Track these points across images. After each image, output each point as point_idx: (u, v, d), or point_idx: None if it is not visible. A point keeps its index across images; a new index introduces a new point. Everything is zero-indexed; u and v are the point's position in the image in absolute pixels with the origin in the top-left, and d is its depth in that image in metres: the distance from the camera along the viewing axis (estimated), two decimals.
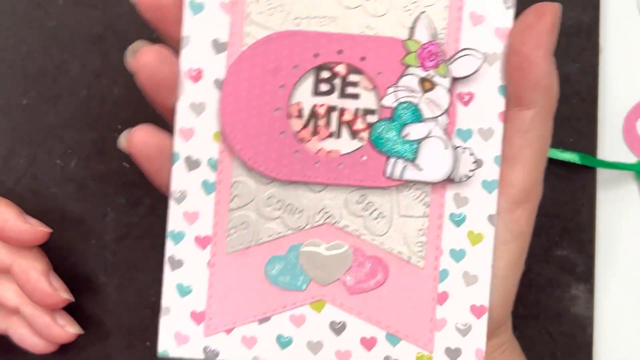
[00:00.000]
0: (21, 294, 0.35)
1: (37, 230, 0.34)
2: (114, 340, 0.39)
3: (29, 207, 0.38)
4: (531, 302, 0.39)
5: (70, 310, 0.37)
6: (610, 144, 0.41)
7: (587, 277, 0.39)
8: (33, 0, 0.39)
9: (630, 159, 0.41)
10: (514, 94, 0.29)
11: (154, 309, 0.38)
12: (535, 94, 0.28)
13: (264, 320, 0.29)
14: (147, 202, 0.39)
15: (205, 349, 0.29)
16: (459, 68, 0.28)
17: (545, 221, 0.39)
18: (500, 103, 0.29)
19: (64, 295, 0.35)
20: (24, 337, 0.36)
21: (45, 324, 0.35)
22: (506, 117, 0.29)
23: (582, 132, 0.39)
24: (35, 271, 0.34)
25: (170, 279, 0.29)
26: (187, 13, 0.28)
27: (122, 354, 0.39)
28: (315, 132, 0.29)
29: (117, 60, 0.37)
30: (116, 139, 0.36)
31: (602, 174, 0.40)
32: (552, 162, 0.39)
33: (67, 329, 0.36)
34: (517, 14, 0.29)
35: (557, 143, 0.39)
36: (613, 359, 0.40)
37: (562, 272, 0.39)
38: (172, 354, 0.29)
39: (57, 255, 0.37)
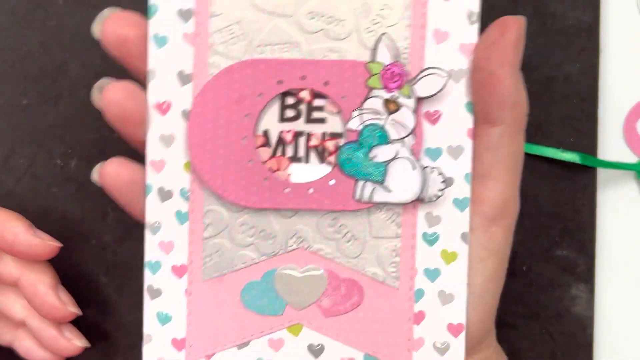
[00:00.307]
0: (28, 306, 0.36)
1: (47, 244, 0.34)
2: (114, 340, 0.39)
3: (29, 207, 0.38)
4: (531, 302, 0.39)
5: None
6: (611, 144, 0.40)
7: (587, 277, 0.39)
8: (33, 1, 0.39)
9: (631, 158, 0.40)
10: (481, 111, 0.28)
11: None
12: (503, 110, 0.28)
13: (243, 345, 0.29)
14: None
15: None
16: (423, 88, 0.28)
17: (546, 221, 0.39)
18: (468, 120, 0.29)
19: (72, 309, 0.35)
20: (30, 350, 0.36)
21: (51, 337, 0.36)
22: (475, 134, 0.29)
23: (582, 132, 0.39)
24: (43, 285, 0.35)
25: (150, 307, 0.29)
26: (151, 46, 0.29)
27: (122, 354, 0.39)
28: (283, 159, 0.29)
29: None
30: (116, 140, 0.36)
31: (602, 173, 0.40)
32: (552, 162, 0.39)
33: (74, 342, 0.36)
34: (483, 27, 0.29)
35: (557, 143, 0.39)
36: (613, 359, 0.40)
37: (562, 272, 0.39)
38: None
39: (57, 255, 0.37)
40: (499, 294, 0.30)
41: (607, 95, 0.40)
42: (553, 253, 0.39)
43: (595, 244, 0.39)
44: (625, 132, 0.40)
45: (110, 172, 0.29)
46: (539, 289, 0.39)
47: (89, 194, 0.38)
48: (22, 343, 0.36)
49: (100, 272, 0.39)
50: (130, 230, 0.38)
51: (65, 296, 0.35)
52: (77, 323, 0.37)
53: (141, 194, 0.29)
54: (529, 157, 0.39)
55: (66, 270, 0.37)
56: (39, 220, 0.37)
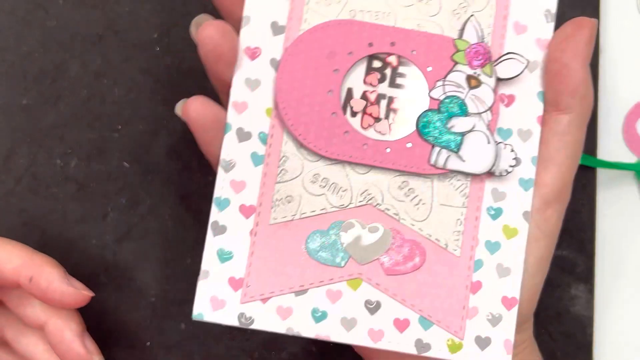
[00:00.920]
0: (50, 351, 0.35)
1: (80, 294, 0.33)
2: (114, 340, 0.38)
3: (29, 207, 0.38)
4: None
5: None
6: (610, 144, 0.40)
7: (587, 277, 0.39)
8: (33, 1, 0.39)
9: (630, 158, 0.40)
10: (552, 99, 0.30)
11: (154, 309, 0.38)
12: (573, 99, 0.30)
13: (300, 292, 0.29)
14: (148, 202, 0.39)
15: (240, 316, 0.29)
16: (503, 70, 0.30)
17: None
18: (539, 107, 0.30)
19: (97, 358, 0.34)
20: None
21: None
22: (544, 120, 0.31)
23: None
24: (70, 331, 0.33)
25: (211, 243, 0.29)
26: None
27: (122, 354, 0.38)
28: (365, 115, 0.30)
29: (117, 60, 0.38)
30: (116, 139, 0.38)
31: (602, 173, 0.40)
32: None
33: None
34: (556, 28, 0.31)
35: None
36: (613, 359, 0.40)
37: (562, 272, 0.39)
38: (206, 318, 0.29)
39: (57, 255, 0.36)
40: (545, 277, 0.31)
41: (606, 95, 0.41)
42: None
43: (594, 244, 0.39)
44: (625, 132, 0.40)
45: (194, 109, 0.30)
46: None
47: (88, 194, 0.38)
48: (39, 346, 0.35)
49: (100, 272, 0.38)
50: (130, 230, 0.38)
51: (91, 345, 0.34)
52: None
53: (220, 135, 0.30)
54: None
55: (66, 270, 0.36)
56: (39, 220, 0.37)
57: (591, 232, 0.39)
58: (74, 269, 0.36)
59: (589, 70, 0.30)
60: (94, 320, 0.37)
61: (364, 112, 0.30)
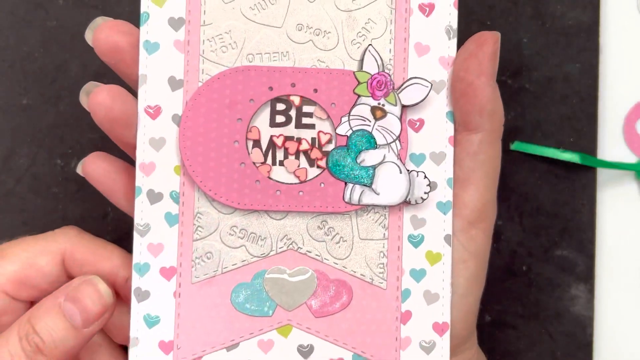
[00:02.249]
0: None
1: None
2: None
3: (29, 207, 0.38)
4: (531, 302, 0.39)
5: None
6: (610, 144, 0.40)
7: (587, 277, 0.39)
8: (33, 1, 0.39)
9: (630, 158, 0.40)
10: (461, 119, 0.30)
11: None
12: (481, 118, 0.30)
13: (232, 347, 0.29)
14: None
15: None
16: (407, 96, 0.30)
17: (545, 221, 0.39)
18: (449, 128, 0.30)
19: None
20: None
21: None
22: (456, 140, 0.30)
23: (582, 132, 0.39)
24: None
25: (137, 310, 0.29)
26: (142, 53, 0.29)
27: (122, 353, 0.36)
28: (274, 162, 0.30)
29: None
30: None
31: (602, 173, 0.40)
32: (551, 162, 0.39)
33: None
34: (485, 29, 0.31)
35: (556, 143, 0.39)
36: (613, 359, 0.40)
37: (562, 272, 0.39)
38: None
39: None
40: (480, 296, 0.32)
41: (606, 95, 0.40)
42: (553, 253, 0.39)
43: (595, 244, 0.39)
44: (625, 132, 0.40)
45: (90, 164, 0.31)
46: (539, 289, 0.39)
47: (89, 194, 0.38)
48: None
49: None
50: (129, 230, 0.37)
51: None
52: None
53: (119, 183, 0.30)
54: (528, 157, 0.39)
55: None
56: (39, 220, 0.37)
57: (591, 232, 0.39)
58: None
59: (496, 86, 0.30)
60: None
61: (274, 158, 0.30)
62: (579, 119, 0.39)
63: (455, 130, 0.30)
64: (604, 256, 0.40)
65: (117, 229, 0.38)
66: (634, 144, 0.40)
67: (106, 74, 0.37)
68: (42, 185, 0.39)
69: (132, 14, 0.38)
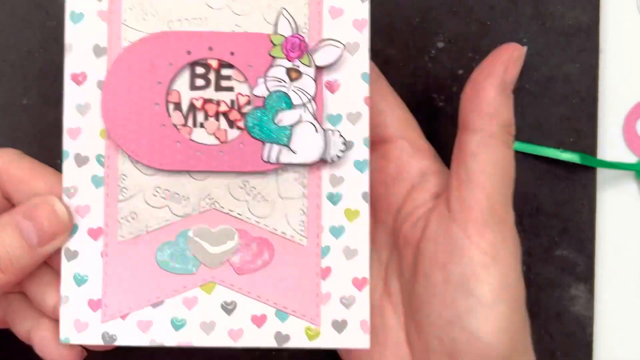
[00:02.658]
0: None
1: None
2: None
3: None
4: (531, 301, 0.36)
5: None
6: (610, 144, 0.40)
7: (587, 276, 0.39)
8: (34, 1, 0.39)
9: (630, 158, 0.40)
10: (461, 118, 0.31)
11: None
12: (481, 119, 0.30)
13: (157, 304, 0.30)
14: None
15: (103, 335, 0.30)
16: (321, 57, 0.31)
17: (545, 221, 0.39)
18: (364, 89, 0.31)
19: None
20: (46, 341, 0.32)
21: None
22: (458, 142, 0.31)
23: (582, 132, 0.39)
24: None
25: (67, 269, 0.30)
26: (68, 23, 0.30)
27: (123, 353, 0.35)
28: (195, 124, 0.31)
29: None
30: None
31: (602, 173, 0.40)
32: (551, 162, 0.39)
33: None
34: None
35: (556, 143, 0.39)
36: (613, 358, 0.40)
37: (562, 272, 0.39)
38: (72, 341, 0.30)
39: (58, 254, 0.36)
40: (520, 306, 0.30)
41: (606, 95, 0.40)
42: (553, 253, 0.39)
43: (594, 243, 0.39)
44: (625, 132, 0.40)
45: None
46: (539, 289, 0.39)
47: None
48: (40, 333, 0.32)
49: None
50: None
51: None
52: None
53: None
54: (528, 157, 0.39)
55: None
56: None
57: (591, 232, 0.39)
58: None
59: (505, 91, 0.30)
60: None
61: (194, 120, 0.31)
62: (579, 119, 0.39)
63: (459, 130, 0.31)
64: (604, 256, 0.40)
65: None
66: (634, 144, 0.40)
67: None
68: None
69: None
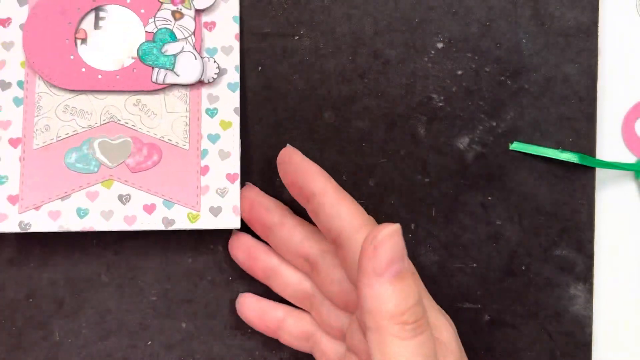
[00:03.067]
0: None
1: None
2: (116, 339, 0.39)
3: None
4: (530, 301, 0.39)
5: (72, 309, 0.39)
6: (609, 144, 0.40)
7: (586, 276, 0.39)
8: None
9: (629, 158, 0.40)
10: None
11: (155, 308, 0.39)
12: (365, 316, 0.29)
13: (65, 197, 0.37)
14: None
15: (20, 223, 0.37)
16: (200, 2, 0.39)
17: (544, 221, 0.39)
18: (235, 28, 0.39)
19: None
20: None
21: None
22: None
23: (581, 132, 0.39)
24: None
25: None
26: None
27: (123, 353, 0.39)
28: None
29: None
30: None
31: (601, 173, 0.40)
32: (550, 162, 0.39)
33: None
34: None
35: (555, 143, 0.39)
36: (612, 358, 0.40)
37: (561, 271, 0.39)
38: None
39: (58, 255, 0.38)
40: None
41: (605, 95, 0.40)
42: (552, 253, 0.39)
43: (593, 243, 0.39)
44: (624, 132, 0.40)
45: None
46: (538, 289, 0.39)
47: None
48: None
49: (102, 271, 0.39)
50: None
51: None
52: (77, 322, 0.39)
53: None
54: (528, 157, 0.39)
55: (67, 269, 0.39)
56: None
57: (590, 232, 0.39)
58: (75, 268, 0.39)
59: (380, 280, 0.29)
60: (96, 319, 0.39)
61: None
62: (578, 119, 0.39)
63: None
64: (603, 256, 0.40)
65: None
66: (633, 144, 0.40)
67: None
68: None
69: None
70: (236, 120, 0.39)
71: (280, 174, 0.35)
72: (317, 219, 0.33)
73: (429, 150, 0.40)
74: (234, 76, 0.39)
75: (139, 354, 0.39)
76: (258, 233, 0.38)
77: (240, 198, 0.37)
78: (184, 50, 0.38)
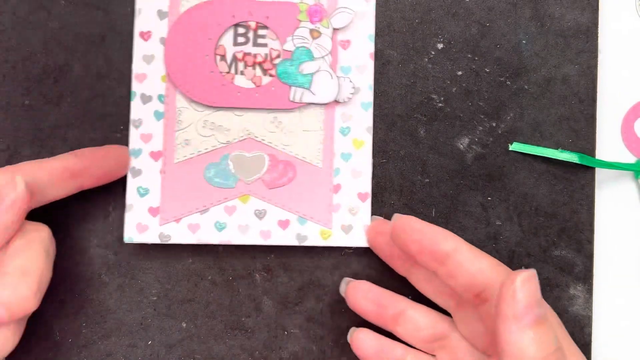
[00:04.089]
0: None
1: None
2: (116, 339, 0.39)
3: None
4: None
5: (72, 309, 0.39)
6: (609, 144, 0.40)
7: (585, 277, 0.39)
8: (35, 2, 0.39)
9: (629, 159, 0.40)
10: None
11: (155, 308, 0.39)
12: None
13: (204, 211, 0.39)
14: None
15: (160, 235, 0.38)
16: (337, 21, 0.39)
17: (544, 221, 0.39)
18: (370, 47, 0.40)
19: None
20: None
21: None
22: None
23: (580, 133, 0.39)
24: None
25: (132, 183, 0.39)
26: None
27: (123, 352, 0.39)
28: (236, 72, 0.39)
29: (119, 60, 0.40)
30: (118, 139, 0.39)
31: (600, 174, 0.40)
32: (550, 162, 0.39)
33: None
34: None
35: (555, 143, 0.39)
36: (611, 358, 0.40)
37: (560, 272, 0.39)
38: (135, 240, 0.38)
39: (59, 254, 0.38)
40: None
41: (605, 96, 0.40)
42: (551, 253, 0.39)
43: (593, 244, 0.39)
44: (623, 132, 0.40)
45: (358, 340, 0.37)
46: None
47: (91, 192, 0.38)
48: None
49: (102, 272, 0.39)
50: None
51: None
52: (78, 322, 0.39)
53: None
54: (527, 157, 0.39)
55: (67, 269, 0.39)
56: (41, 219, 0.36)
57: (590, 232, 0.39)
58: (76, 268, 0.39)
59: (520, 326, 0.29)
60: (96, 319, 0.39)
61: (237, 68, 0.39)
62: (578, 119, 0.39)
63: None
64: (602, 256, 0.40)
65: (119, 228, 0.39)
66: (632, 144, 0.40)
67: (108, 75, 0.40)
68: None
69: (133, 15, 0.40)
70: (368, 139, 0.39)
71: (400, 246, 0.34)
72: (455, 279, 0.33)
73: (428, 150, 0.40)
74: (367, 95, 0.40)
75: (139, 353, 0.39)
76: (399, 270, 0.38)
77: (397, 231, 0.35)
78: (321, 69, 0.39)
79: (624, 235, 0.41)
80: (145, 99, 0.39)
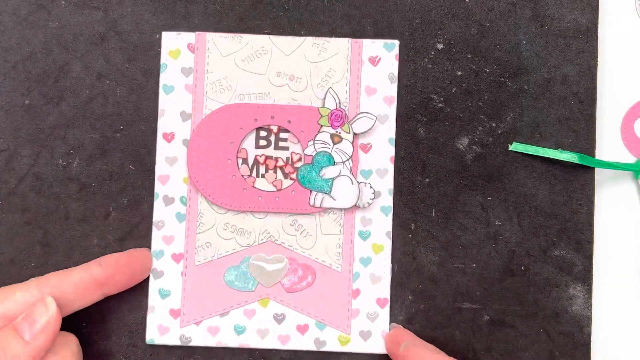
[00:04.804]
0: None
1: None
2: (117, 339, 0.39)
3: (31, 206, 0.39)
4: (529, 301, 0.39)
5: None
6: (609, 145, 0.41)
7: (585, 276, 0.39)
8: (36, 2, 0.39)
9: (628, 159, 0.41)
10: None
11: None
12: None
13: (224, 314, 0.39)
14: (149, 202, 0.40)
15: (181, 337, 0.39)
16: (358, 126, 0.40)
17: (544, 221, 0.39)
18: (390, 150, 0.40)
19: None
20: None
21: None
22: None
23: (580, 133, 0.39)
24: None
25: (154, 285, 0.39)
26: (161, 93, 0.40)
27: (124, 352, 0.39)
28: (258, 175, 0.40)
29: (119, 61, 0.39)
30: (118, 139, 0.39)
31: (600, 174, 0.40)
32: (550, 162, 0.39)
33: None
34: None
35: (555, 143, 0.40)
36: (611, 358, 0.40)
37: (560, 271, 0.39)
38: (156, 342, 0.39)
39: (59, 255, 0.38)
40: None
41: (605, 96, 0.40)
42: (551, 253, 0.39)
43: (593, 243, 0.39)
44: (623, 132, 0.41)
45: None
46: (537, 289, 0.39)
47: (90, 193, 0.39)
48: None
49: None
50: (131, 229, 0.39)
51: None
52: (78, 322, 0.39)
53: None
54: (527, 157, 0.40)
55: (66, 269, 0.37)
56: (41, 219, 0.38)
57: (589, 232, 0.39)
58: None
59: None
60: (97, 319, 0.39)
61: (258, 172, 0.40)
62: (577, 120, 0.39)
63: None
64: (602, 256, 0.40)
65: (119, 229, 0.39)
66: (632, 144, 0.40)
67: (108, 75, 0.39)
68: (44, 185, 0.39)
69: (134, 15, 0.40)
70: (388, 244, 0.40)
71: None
72: None
73: (428, 150, 0.40)
74: (387, 199, 0.40)
75: (140, 353, 0.39)
76: None
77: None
78: (341, 174, 0.39)
79: (623, 235, 0.41)
80: (168, 200, 0.39)
